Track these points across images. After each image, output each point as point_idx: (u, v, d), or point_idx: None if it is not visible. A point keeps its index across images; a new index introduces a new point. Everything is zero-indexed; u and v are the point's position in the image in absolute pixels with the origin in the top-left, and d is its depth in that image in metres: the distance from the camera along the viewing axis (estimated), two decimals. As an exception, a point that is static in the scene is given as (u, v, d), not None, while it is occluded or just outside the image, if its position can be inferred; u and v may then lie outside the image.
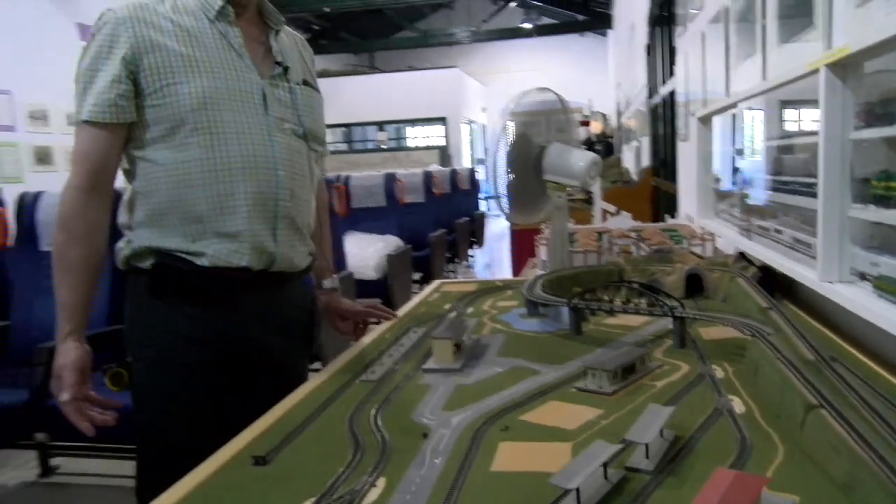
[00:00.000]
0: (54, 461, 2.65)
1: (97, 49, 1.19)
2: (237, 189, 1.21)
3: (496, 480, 0.79)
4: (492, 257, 9.00)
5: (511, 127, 2.26)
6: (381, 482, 0.79)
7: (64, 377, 1.17)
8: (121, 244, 1.28)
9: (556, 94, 2.09)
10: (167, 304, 1.23)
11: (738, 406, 0.94)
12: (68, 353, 1.18)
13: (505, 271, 6.44)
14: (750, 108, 2.26)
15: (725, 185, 2.58)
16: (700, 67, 2.82)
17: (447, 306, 1.70)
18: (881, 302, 0.95)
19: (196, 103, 1.19)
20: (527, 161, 2.04)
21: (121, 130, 1.20)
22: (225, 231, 1.21)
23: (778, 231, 1.40)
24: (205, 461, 0.88)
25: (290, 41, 1.39)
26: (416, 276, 5.20)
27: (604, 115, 12.58)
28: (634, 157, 7.46)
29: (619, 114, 10.77)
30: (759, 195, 1.94)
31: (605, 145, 11.34)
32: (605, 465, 0.74)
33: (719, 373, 1.09)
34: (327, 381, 1.18)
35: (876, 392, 0.88)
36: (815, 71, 1.04)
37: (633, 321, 1.43)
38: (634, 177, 6.42)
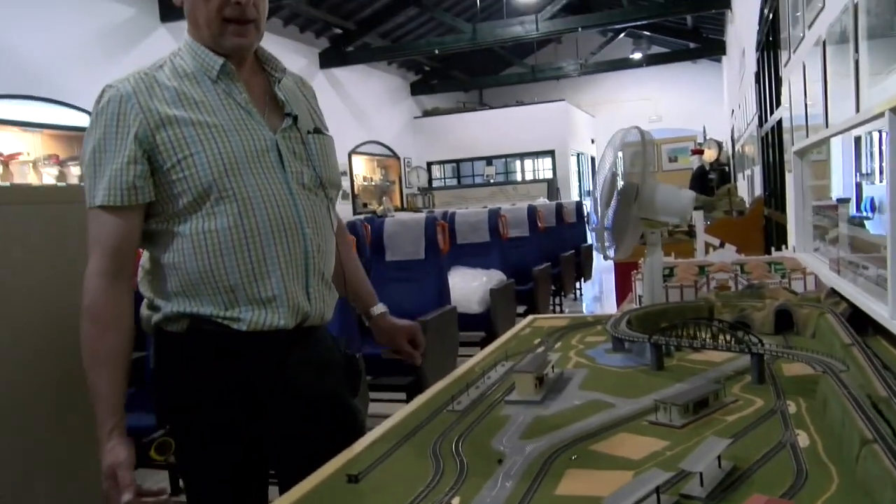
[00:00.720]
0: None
1: (104, 128, 1.18)
2: (268, 254, 1.23)
3: (558, 502, 0.86)
4: (601, 289, 8.93)
5: (606, 165, 2.32)
6: (456, 500, 0.88)
7: (121, 477, 1.13)
8: (146, 311, 1.30)
9: (640, 131, 2.15)
10: (204, 367, 1.26)
11: (802, 440, 0.97)
12: (118, 452, 1.15)
13: (613, 304, 6.39)
14: (878, 130, 2.20)
15: (842, 214, 2.51)
16: (802, 97, 2.77)
17: (537, 341, 1.78)
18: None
19: (217, 172, 1.19)
20: (621, 198, 2.10)
21: (139, 210, 1.21)
22: (259, 297, 1.23)
23: (865, 267, 1.40)
24: (308, 477, 1.01)
25: (291, 85, 1.38)
26: (521, 309, 5.27)
27: (718, 143, 12.22)
28: (748, 186, 7.23)
29: (734, 140, 10.46)
30: (869, 229, 1.89)
31: (719, 173, 10.99)
32: (658, 491, 0.80)
33: (792, 408, 1.11)
34: (418, 411, 1.28)
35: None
36: (882, 114, 1.06)
37: (716, 357, 1.45)
38: (748, 206, 6.23)
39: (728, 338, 1.34)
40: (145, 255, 1.32)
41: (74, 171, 6.63)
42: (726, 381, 1.29)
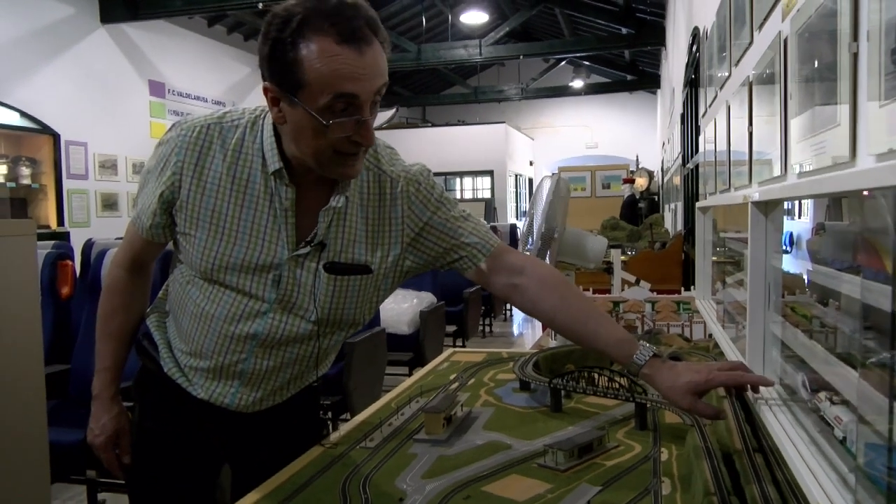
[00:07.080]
0: (101, 496, 2.90)
1: (154, 163, 1.23)
2: (206, 348, 1.29)
3: (447, 541, 0.98)
4: (531, 311, 9.10)
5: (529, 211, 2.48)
6: (357, 537, 0.99)
7: (123, 443, 1.42)
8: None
9: (561, 179, 2.31)
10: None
11: (666, 487, 1.11)
12: (123, 419, 1.42)
13: (539, 327, 6.57)
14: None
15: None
16: (713, 149, 2.98)
17: (452, 377, 1.89)
18: (779, 408, 1.11)
19: (204, 265, 1.22)
20: (541, 242, 2.25)
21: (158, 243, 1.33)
22: (202, 367, 1.32)
23: (743, 326, 1.56)
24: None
25: (375, 204, 1.28)
26: (451, 329, 5.41)
27: (649, 172, 12.69)
28: (672, 219, 7.57)
29: (664, 172, 10.89)
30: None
31: (648, 202, 11.42)
32: (531, 534, 0.93)
33: (664, 455, 1.25)
34: (332, 447, 1.38)
35: (777, 483, 1.04)
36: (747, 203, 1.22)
37: (609, 402, 1.60)
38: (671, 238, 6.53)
39: (617, 385, 1.49)
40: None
41: (0, 170, 6.47)
42: (614, 425, 1.44)
